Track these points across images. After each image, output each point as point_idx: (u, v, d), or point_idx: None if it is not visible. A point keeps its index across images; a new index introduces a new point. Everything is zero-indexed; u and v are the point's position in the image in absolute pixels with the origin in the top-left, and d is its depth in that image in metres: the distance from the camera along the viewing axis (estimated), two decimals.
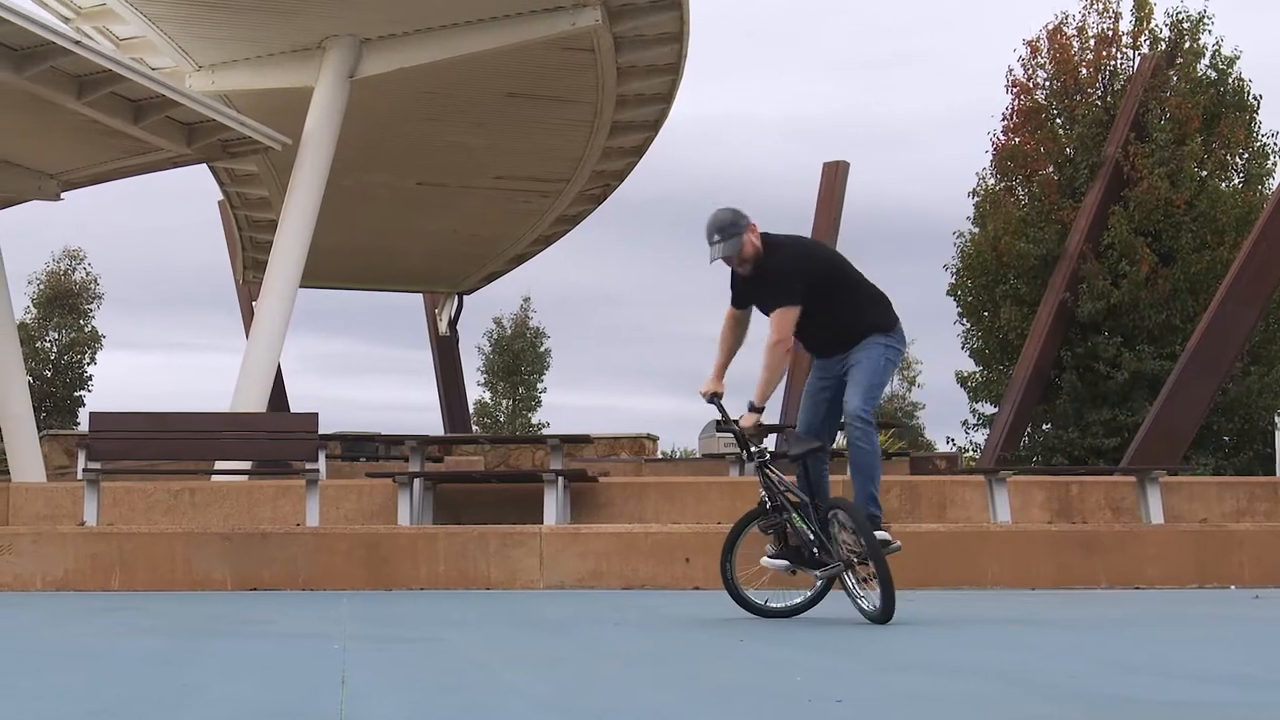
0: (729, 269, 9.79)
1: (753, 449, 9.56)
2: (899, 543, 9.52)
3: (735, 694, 5.52)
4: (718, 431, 11.05)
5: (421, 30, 25.50)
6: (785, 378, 10.04)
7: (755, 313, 9.94)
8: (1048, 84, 35.98)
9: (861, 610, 9.12)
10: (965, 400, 37.09)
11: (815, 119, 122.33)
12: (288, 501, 16.31)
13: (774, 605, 9.71)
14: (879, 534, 9.20)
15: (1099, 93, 35.48)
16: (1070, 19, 36.20)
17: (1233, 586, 13.73)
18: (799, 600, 9.70)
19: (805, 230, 30.68)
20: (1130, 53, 35.59)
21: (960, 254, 36.25)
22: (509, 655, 6.98)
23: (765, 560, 9.61)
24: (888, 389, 76.93)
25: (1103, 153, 32.56)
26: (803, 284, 9.65)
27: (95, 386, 57.84)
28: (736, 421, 9.56)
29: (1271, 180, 34.38)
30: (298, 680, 5.93)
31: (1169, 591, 13.18)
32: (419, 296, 43.58)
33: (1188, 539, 14.39)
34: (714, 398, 9.72)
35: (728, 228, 9.53)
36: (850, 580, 9.28)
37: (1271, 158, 35.11)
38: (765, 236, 9.71)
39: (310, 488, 14.56)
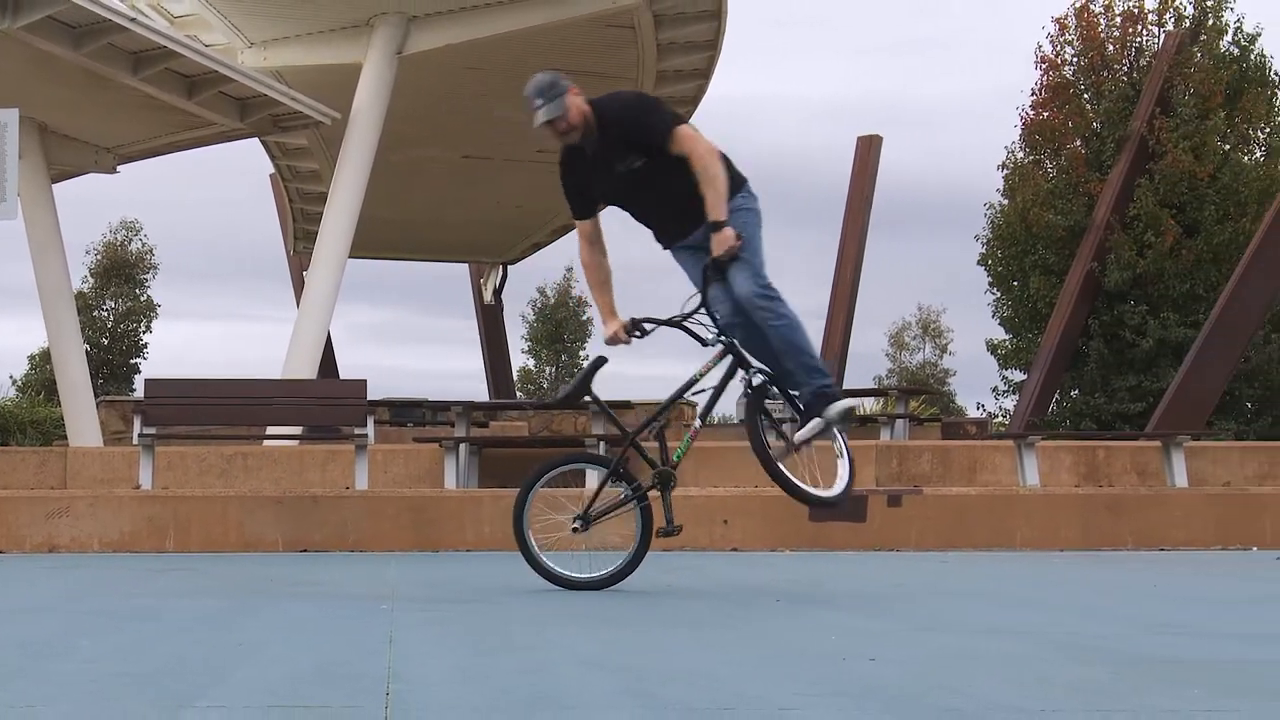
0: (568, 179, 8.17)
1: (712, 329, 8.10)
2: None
3: (773, 654, 5.48)
4: (663, 324, 8.20)
5: (467, 8, 25.42)
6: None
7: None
8: (1075, 60, 35.76)
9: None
10: (995, 367, 37.11)
11: (848, 100, 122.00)
12: (337, 466, 16.33)
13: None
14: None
15: (1125, 69, 35.22)
16: None
17: (1254, 548, 13.70)
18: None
19: (839, 204, 30.53)
20: (1155, 30, 35.30)
21: (990, 225, 36.16)
22: (556, 615, 6.95)
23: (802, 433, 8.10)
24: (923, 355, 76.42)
25: (1129, 127, 32.24)
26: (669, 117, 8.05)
27: (150, 354, 58.24)
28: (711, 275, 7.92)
29: None
30: (347, 640, 5.91)
31: (1193, 553, 13.14)
32: (465, 266, 43.52)
33: (1211, 502, 14.42)
34: (632, 328, 8.08)
35: (548, 89, 7.82)
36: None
37: None
38: (591, 100, 8.02)
39: (359, 452, 14.57)
